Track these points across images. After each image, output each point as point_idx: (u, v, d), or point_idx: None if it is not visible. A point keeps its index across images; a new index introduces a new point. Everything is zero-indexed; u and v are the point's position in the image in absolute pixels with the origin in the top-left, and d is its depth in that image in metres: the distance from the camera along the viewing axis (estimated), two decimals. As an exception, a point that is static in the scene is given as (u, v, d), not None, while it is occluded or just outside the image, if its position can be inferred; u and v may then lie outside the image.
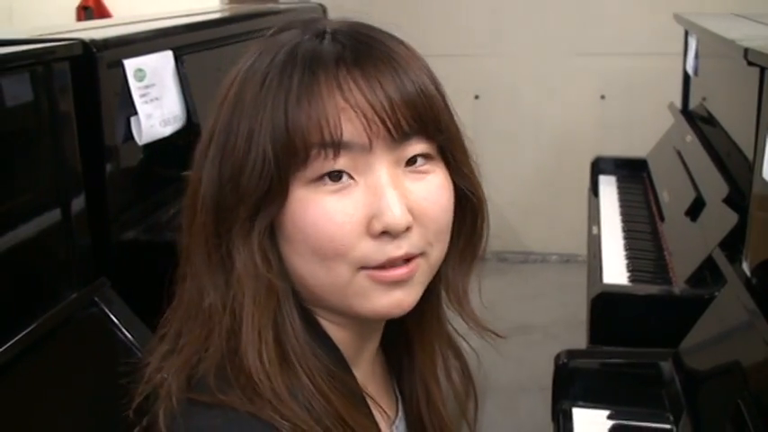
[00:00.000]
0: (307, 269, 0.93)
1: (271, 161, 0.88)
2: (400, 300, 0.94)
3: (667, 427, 1.74)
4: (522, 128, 5.23)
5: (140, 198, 2.01)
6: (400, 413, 1.13)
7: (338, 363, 0.98)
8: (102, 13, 3.71)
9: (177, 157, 1.80)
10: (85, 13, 3.71)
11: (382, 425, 1.03)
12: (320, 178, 0.90)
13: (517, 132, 5.23)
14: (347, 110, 0.88)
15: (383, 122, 0.89)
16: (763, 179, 1.80)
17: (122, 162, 1.93)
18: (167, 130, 2.03)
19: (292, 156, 0.88)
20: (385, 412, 1.05)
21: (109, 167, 1.86)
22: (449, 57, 5.06)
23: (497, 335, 1.13)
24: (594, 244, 2.78)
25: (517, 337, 4.33)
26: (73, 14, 3.71)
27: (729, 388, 1.59)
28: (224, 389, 0.88)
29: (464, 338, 1.17)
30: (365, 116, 0.88)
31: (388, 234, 0.90)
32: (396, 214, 0.89)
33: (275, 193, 0.90)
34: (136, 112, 1.92)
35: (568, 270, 5.11)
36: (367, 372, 1.07)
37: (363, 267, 0.92)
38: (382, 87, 0.89)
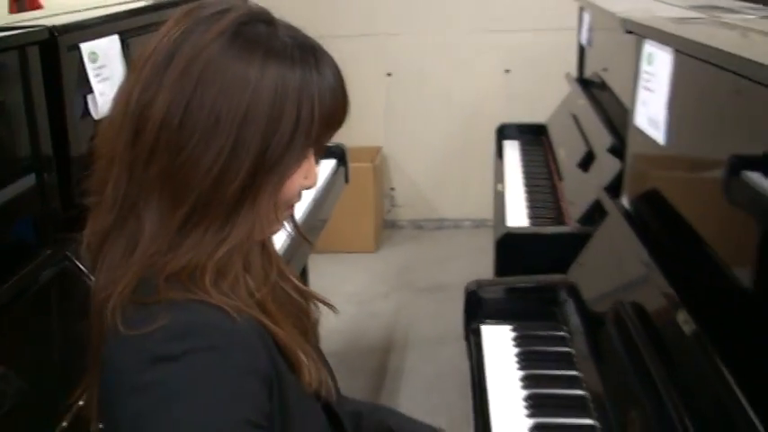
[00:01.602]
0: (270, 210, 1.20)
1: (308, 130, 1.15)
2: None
3: (563, 334, 2.05)
4: (433, 102, 5.43)
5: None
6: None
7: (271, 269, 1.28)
8: (34, 3, 3.83)
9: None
10: (17, 4, 3.83)
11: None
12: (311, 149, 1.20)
13: (428, 106, 5.44)
14: None
15: None
16: (635, 126, 2.13)
17: (82, 134, 2.18)
18: (118, 106, 2.29)
19: (326, 128, 1.18)
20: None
21: (71, 138, 2.11)
22: (361, 37, 5.31)
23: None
24: (499, 198, 3.09)
25: (434, 294, 4.62)
26: (5, 5, 3.82)
27: (612, 298, 1.91)
28: (168, 290, 1.11)
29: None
30: None
31: None
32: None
33: (298, 155, 1.17)
34: (92, 90, 2.17)
35: (480, 234, 5.34)
36: None
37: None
38: None
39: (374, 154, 5.31)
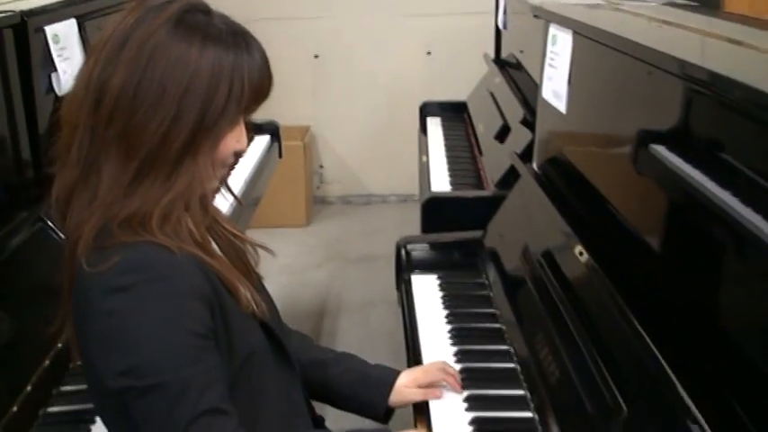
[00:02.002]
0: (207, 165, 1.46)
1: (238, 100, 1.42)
2: None
3: (482, 280, 2.34)
4: (359, 83, 5.64)
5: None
6: None
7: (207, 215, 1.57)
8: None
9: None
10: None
11: None
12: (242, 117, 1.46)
13: (354, 87, 5.65)
14: None
15: None
16: (543, 99, 2.43)
17: (47, 108, 2.40)
18: (78, 83, 2.51)
19: (254, 100, 1.45)
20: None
21: (39, 112, 2.33)
22: (290, 20, 5.49)
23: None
24: (424, 168, 3.37)
25: (364, 264, 4.89)
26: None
27: (523, 245, 2.20)
28: (121, 234, 1.38)
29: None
30: None
31: None
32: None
33: (230, 121, 1.43)
34: (55, 69, 2.40)
35: (406, 208, 5.60)
36: None
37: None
38: None
39: (303, 133, 5.52)
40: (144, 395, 1.34)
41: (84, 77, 1.42)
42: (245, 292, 1.52)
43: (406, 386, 1.81)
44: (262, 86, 1.46)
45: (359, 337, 4.06)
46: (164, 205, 1.41)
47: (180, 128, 1.38)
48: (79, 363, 1.51)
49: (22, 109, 2.21)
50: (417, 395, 1.80)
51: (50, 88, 2.40)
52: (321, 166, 5.87)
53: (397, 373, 1.83)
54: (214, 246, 1.57)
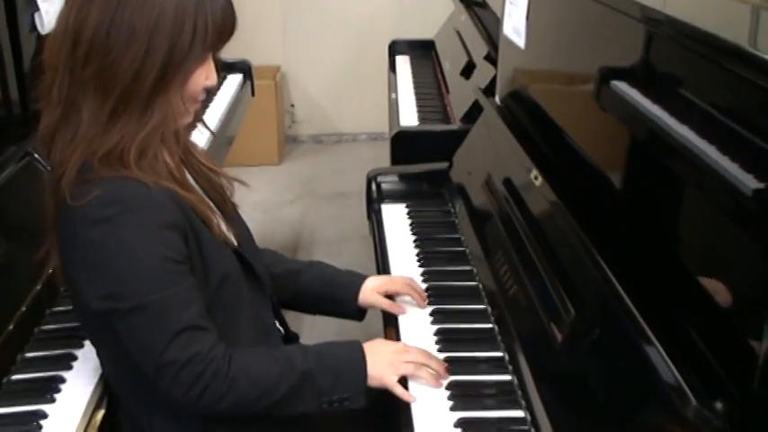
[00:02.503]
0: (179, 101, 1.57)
1: (203, 39, 1.52)
2: None
3: (448, 208, 2.48)
4: (329, 22, 5.69)
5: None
6: None
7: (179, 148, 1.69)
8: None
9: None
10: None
11: None
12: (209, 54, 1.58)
13: (324, 26, 5.70)
14: None
15: None
16: (504, 35, 2.55)
17: (31, 47, 2.49)
18: (59, 23, 2.60)
19: (219, 38, 1.56)
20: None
21: (24, 51, 2.42)
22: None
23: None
24: (393, 104, 3.48)
25: (335, 201, 5.02)
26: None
27: (485, 173, 2.33)
28: (101, 169, 1.50)
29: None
30: None
31: None
32: None
33: (197, 58, 1.54)
34: (38, 9, 2.48)
35: (376, 146, 5.69)
36: None
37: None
38: None
39: (274, 72, 5.59)
40: (127, 316, 1.49)
41: (62, 22, 1.53)
42: (218, 222, 1.66)
43: (373, 289, 1.96)
44: (225, 26, 1.56)
45: (331, 269, 4.17)
46: (140, 140, 1.52)
47: (150, 65, 1.49)
48: (64, 288, 1.64)
49: (9, 48, 2.30)
50: (384, 303, 1.95)
51: (33, 27, 2.48)
52: (292, 106, 5.95)
53: (364, 277, 1.98)
54: (189, 178, 1.69)
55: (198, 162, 1.76)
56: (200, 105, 1.66)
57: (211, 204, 1.69)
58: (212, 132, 1.92)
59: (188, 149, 1.75)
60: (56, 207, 1.56)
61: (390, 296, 1.98)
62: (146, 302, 1.47)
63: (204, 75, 1.58)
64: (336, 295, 1.96)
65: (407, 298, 1.97)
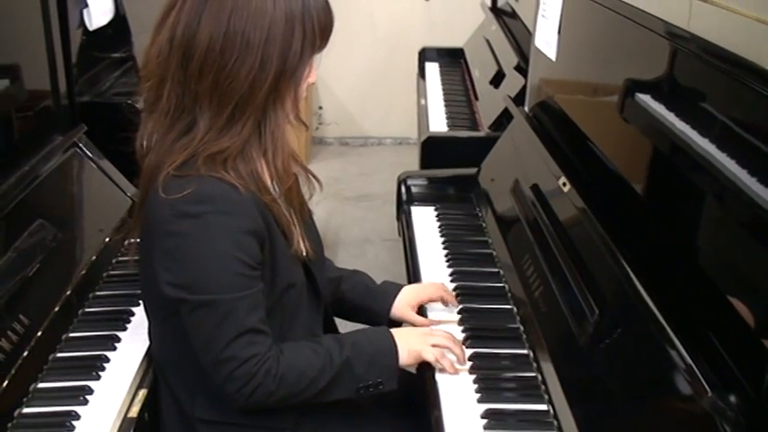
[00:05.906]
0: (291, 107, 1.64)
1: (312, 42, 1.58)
2: None
3: (476, 212, 2.55)
4: (359, 28, 5.74)
5: (90, 69, 2.70)
6: None
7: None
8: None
9: (110, 40, 2.68)
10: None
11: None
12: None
13: (354, 32, 5.71)
14: None
15: None
16: (536, 46, 2.63)
17: (79, 42, 2.59)
18: (105, 19, 2.70)
19: (323, 38, 1.61)
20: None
21: (73, 45, 2.52)
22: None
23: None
24: (423, 110, 3.56)
25: (360, 203, 5.09)
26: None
27: (513, 180, 2.40)
28: (201, 167, 1.56)
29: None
30: None
31: None
32: None
33: (307, 61, 1.60)
34: (87, 5, 2.58)
35: (401, 151, 5.83)
36: None
37: None
38: None
39: (304, 75, 5.63)
40: (196, 308, 1.56)
41: (166, 34, 1.57)
42: (297, 237, 1.71)
43: (407, 303, 2.02)
44: (328, 24, 1.62)
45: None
46: (247, 146, 1.59)
47: (265, 75, 1.54)
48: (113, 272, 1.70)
49: (60, 42, 2.39)
50: (413, 320, 2.00)
51: (81, 23, 2.58)
52: (320, 108, 6.03)
53: (399, 287, 2.05)
54: (276, 188, 1.71)
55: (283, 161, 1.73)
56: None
57: (294, 218, 1.74)
58: (306, 126, 1.98)
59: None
60: (145, 195, 1.63)
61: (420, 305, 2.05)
62: (216, 300, 1.54)
63: (309, 75, 1.63)
64: (370, 306, 2.03)
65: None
